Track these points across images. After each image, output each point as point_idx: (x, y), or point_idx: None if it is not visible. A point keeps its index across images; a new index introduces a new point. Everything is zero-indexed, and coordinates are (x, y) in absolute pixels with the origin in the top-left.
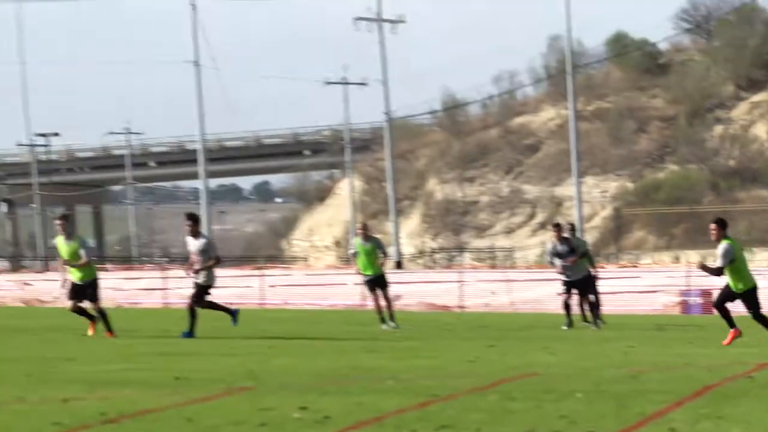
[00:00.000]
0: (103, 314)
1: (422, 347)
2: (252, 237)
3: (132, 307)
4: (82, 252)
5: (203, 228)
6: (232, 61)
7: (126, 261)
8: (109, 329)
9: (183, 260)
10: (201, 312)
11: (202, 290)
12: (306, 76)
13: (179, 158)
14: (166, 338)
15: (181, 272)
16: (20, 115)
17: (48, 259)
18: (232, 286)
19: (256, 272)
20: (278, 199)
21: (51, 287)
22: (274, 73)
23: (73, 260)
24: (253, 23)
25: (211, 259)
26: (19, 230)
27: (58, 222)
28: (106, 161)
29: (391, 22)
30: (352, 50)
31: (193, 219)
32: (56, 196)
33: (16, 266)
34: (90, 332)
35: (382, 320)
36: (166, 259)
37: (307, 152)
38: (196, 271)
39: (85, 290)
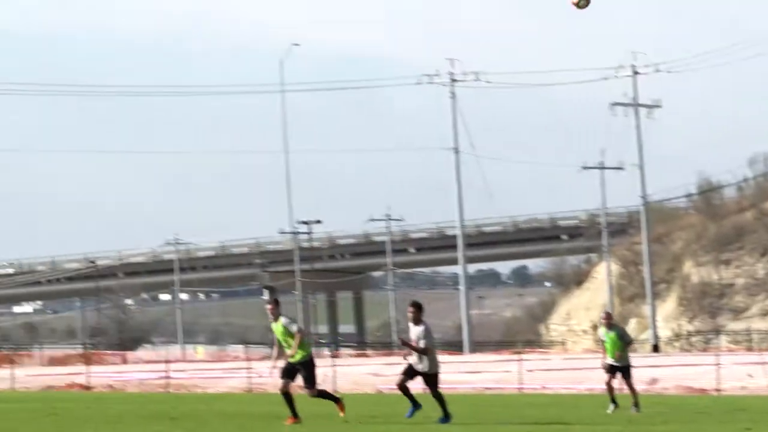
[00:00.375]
0: (324, 395)
1: (679, 430)
2: (510, 321)
3: (392, 393)
4: (293, 327)
5: (458, 312)
6: (490, 146)
7: (386, 346)
8: (294, 415)
9: (441, 345)
10: (451, 397)
11: (434, 378)
12: (563, 162)
13: (438, 244)
14: (425, 424)
15: (441, 357)
16: (284, 203)
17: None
18: (491, 371)
19: (515, 357)
20: (547, 284)
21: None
22: (531, 158)
23: (286, 341)
24: (512, 109)
25: (421, 347)
26: None
27: (268, 306)
28: (367, 248)
29: (647, 107)
30: (609, 135)
31: (417, 306)
32: (317, 283)
33: (280, 352)
34: (288, 422)
35: (612, 401)
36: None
37: (564, 237)
38: (405, 344)
39: (298, 371)
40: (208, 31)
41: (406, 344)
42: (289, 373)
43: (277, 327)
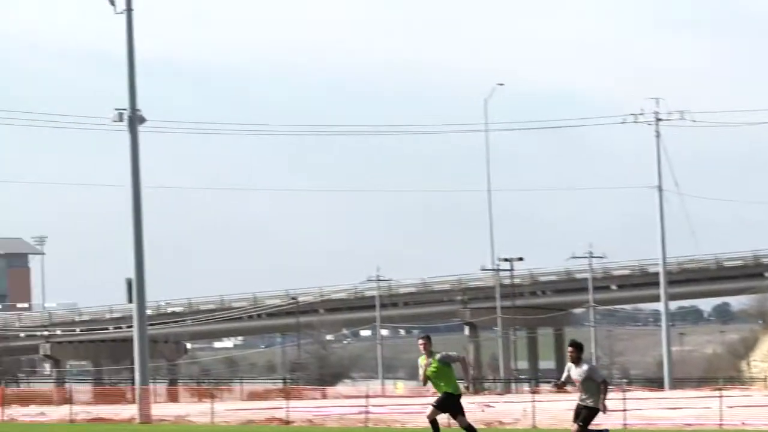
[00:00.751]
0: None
1: None
2: (711, 358)
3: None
4: (451, 355)
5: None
6: (693, 184)
7: None
8: None
9: (642, 382)
10: None
11: (595, 414)
12: (767, 199)
13: (640, 281)
14: None
15: (641, 393)
16: (486, 240)
17: (509, 381)
18: (692, 407)
19: (715, 393)
20: (760, 321)
21: (512, 409)
22: (734, 196)
23: (445, 375)
24: (715, 147)
25: (600, 385)
26: (481, 353)
27: (420, 342)
28: (569, 285)
29: None
30: None
31: (576, 346)
32: (518, 319)
33: (478, 388)
34: None
35: None
36: (626, 380)
37: (767, 274)
38: (602, 405)
39: (448, 401)
40: (414, 71)
41: (604, 406)
42: (439, 404)
43: (433, 363)
